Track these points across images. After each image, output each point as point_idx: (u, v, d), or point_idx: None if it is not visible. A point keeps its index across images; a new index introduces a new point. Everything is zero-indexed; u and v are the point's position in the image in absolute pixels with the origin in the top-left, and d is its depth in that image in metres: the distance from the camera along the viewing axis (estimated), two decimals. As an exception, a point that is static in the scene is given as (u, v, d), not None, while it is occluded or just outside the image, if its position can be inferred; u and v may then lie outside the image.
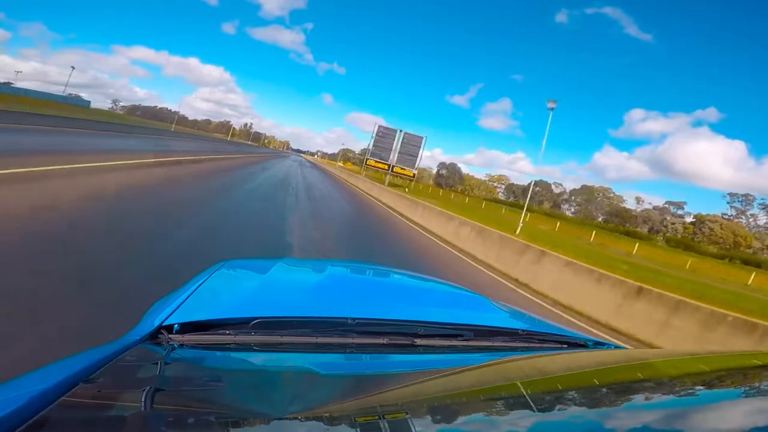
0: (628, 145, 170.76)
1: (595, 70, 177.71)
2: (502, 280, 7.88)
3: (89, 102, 71.49)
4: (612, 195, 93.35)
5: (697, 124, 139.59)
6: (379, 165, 41.03)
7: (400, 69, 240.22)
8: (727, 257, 50.13)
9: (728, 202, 76.42)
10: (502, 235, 9.54)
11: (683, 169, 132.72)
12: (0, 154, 7.25)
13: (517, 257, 8.39)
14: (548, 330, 1.21)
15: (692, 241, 61.72)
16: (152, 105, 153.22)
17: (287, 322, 0.87)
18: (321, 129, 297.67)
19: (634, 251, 30.70)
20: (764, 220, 70.90)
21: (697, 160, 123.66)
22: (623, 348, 1.57)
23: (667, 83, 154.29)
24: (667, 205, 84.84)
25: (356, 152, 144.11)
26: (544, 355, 1.02)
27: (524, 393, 0.68)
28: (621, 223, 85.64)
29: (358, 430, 0.51)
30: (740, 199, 75.20)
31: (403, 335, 0.91)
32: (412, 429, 0.50)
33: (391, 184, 37.92)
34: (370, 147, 41.43)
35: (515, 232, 20.05)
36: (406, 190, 37.66)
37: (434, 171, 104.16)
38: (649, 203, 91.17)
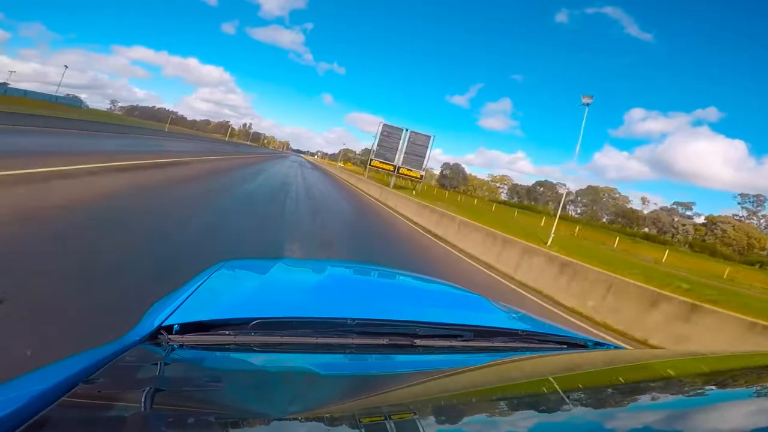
0: (628, 144, 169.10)
1: (595, 70, 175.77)
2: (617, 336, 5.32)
3: (83, 102, 68.93)
4: (617, 195, 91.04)
5: (697, 123, 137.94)
6: (384, 166, 38.30)
7: (401, 69, 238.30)
8: (758, 263, 47.39)
9: (739, 203, 74.10)
10: (586, 268, 6.75)
11: (683, 168, 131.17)
12: None
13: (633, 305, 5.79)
14: (548, 330, 1.21)
15: (717, 246, 59.06)
16: (150, 105, 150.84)
17: (287, 322, 0.86)
18: (321, 129, 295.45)
19: (664, 259, 28.31)
20: (777, 221, 68.60)
21: (697, 160, 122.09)
22: (623, 348, 1.55)
23: (667, 83, 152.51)
24: (675, 206, 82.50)
25: (357, 152, 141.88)
26: (544, 355, 1.01)
27: (524, 393, 0.69)
28: (627, 224, 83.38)
29: (360, 430, 0.51)
30: (751, 199, 72.88)
31: (403, 336, 0.90)
32: (413, 429, 0.50)
33: (396, 186, 35.49)
34: (375, 147, 38.72)
35: (546, 243, 17.86)
36: (414, 192, 35.23)
37: (436, 171, 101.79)
38: (655, 203, 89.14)
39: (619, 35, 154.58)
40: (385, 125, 38.49)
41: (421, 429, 0.50)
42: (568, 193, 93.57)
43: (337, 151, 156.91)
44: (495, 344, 1.00)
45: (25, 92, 53.77)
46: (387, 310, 1.17)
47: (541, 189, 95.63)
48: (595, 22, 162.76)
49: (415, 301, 1.42)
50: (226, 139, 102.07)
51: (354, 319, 0.90)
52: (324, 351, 0.83)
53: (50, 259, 3.14)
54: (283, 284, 1.36)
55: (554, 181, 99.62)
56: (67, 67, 73.50)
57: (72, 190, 5.73)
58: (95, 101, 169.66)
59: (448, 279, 2.15)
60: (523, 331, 1.09)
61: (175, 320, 0.79)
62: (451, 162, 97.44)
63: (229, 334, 0.79)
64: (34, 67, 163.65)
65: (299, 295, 1.24)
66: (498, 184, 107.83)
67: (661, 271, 18.23)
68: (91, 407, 0.50)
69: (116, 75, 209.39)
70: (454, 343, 0.96)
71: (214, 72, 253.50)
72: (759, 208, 70.76)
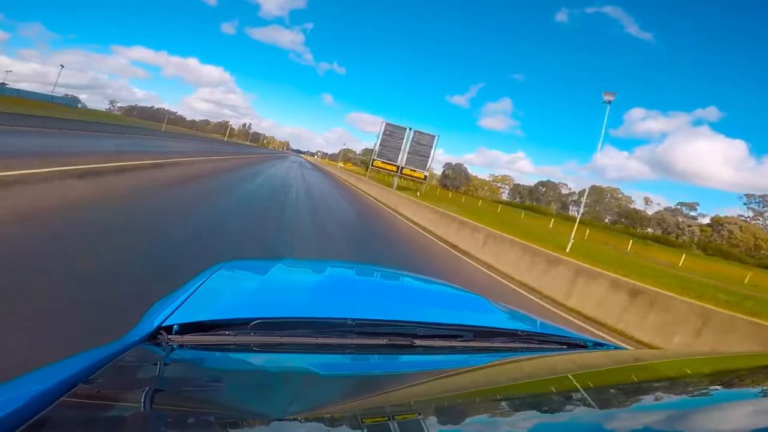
0: (628, 144, 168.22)
1: (596, 69, 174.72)
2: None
3: (79, 102, 67.62)
4: (620, 196, 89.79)
5: (698, 123, 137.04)
6: (387, 166, 36.84)
7: (401, 69, 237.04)
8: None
9: (745, 203, 72.90)
10: (667, 296, 5.37)
11: (683, 168, 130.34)
12: None
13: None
14: (548, 331, 1.21)
15: (731, 248, 57.61)
16: (149, 105, 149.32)
17: (287, 322, 0.86)
18: (321, 129, 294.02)
19: (680, 263, 26.98)
20: (784, 222, 67.36)
21: (697, 160, 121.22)
22: (623, 348, 1.54)
23: (667, 82, 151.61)
24: (678, 206, 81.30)
25: (357, 152, 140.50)
26: (544, 356, 1.01)
27: (524, 394, 0.69)
28: (631, 224, 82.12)
29: (361, 430, 0.51)
30: (757, 200, 71.64)
31: (403, 336, 0.90)
32: (413, 430, 0.51)
33: (399, 187, 34.13)
34: (377, 147, 37.36)
35: (565, 250, 16.51)
36: (418, 194, 33.84)
37: (437, 172, 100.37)
38: (658, 204, 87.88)
39: (619, 35, 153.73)
40: (387, 124, 37.01)
41: (422, 429, 0.50)
42: (571, 193, 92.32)
43: (337, 151, 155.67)
44: (495, 345, 0.99)
45: (18, 92, 53.06)
46: (387, 310, 1.17)
47: (544, 189, 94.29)
48: (595, 22, 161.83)
49: (415, 302, 1.41)
50: (225, 139, 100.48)
51: (354, 320, 0.89)
52: (324, 351, 0.82)
53: None
54: (283, 284, 1.35)
55: (556, 181, 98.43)
56: (63, 66, 71.89)
57: (53, 195, 4.50)
58: (95, 101, 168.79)
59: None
60: (523, 331, 1.08)
61: (174, 320, 0.78)
62: (453, 162, 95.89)
63: (228, 335, 0.78)
64: (34, 67, 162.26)
65: (299, 295, 1.23)
66: (499, 184, 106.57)
67: (692, 280, 16.87)
68: (91, 407, 0.50)
69: (116, 75, 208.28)
70: (454, 343, 0.95)
71: (213, 72, 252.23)
72: (765, 209, 69.64)
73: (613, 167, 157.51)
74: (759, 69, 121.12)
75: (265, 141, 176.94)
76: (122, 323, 0.86)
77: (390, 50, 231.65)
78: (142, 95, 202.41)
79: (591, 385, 0.75)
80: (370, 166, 38.40)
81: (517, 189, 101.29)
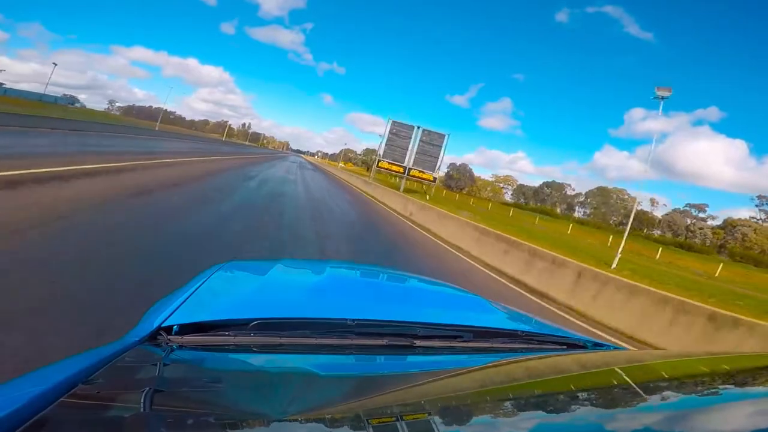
0: (628, 144, 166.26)
1: (596, 69, 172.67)
2: None
3: (76, 101, 65.19)
4: (626, 197, 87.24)
5: (698, 123, 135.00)
6: (393, 168, 33.89)
7: (400, 69, 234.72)
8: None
9: (757, 205, 70.30)
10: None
11: (684, 168, 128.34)
12: None
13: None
14: (547, 331, 1.20)
15: (761, 255, 54.72)
16: (147, 105, 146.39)
17: (287, 323, 0.85)
18: (321, 129, 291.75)
19: (717, 273, 24.41)
20: (798, 224, 64.80)
21: (698, 160, 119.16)
22: (623, 349, 1.52)
23: (668, 82, 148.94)
24: (687, 208, 78.76)
25: (358, 152, 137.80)
26: (544, 356, 1.00)
27: (524, 394, 0.68)
28: (638, 226, 79.66)
29: (359, 430, 0.51)
30: (770, 201, 69.08)
31: (403, 336, 0.89)
32: (414, 430, 0.50)
33: (406, 190, 31.52)
34: (383, 146, 34.50)
35: (611, 266, 13.95)
36: (427, 197, 31.21)
37: (440, 172, 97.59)
38: (665, 204, 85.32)
39: (619, 34, 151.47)
40: (394, 122, 34.08)
41: (423, 430, 0.50)
42: (577, 194, 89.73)
43: (337, 151, 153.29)
44: (495, 345, 0.98)
45: (5, 90, 50.95)
46: (387, 310, 1.15)
47: (549, 191, 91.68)
48: (595, 22, 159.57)
49: (415, 302, 1.40)
50: (224, 138, 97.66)
51: (354, 320, 0.88)
52: (324, 352, 0.82)
53: None
54: (283, 285, 1.33)
55: (560, 182, 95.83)
56: (56, 64, 69.10)
57: None
58: (95, 102, 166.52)
59: None
60: (522, 331, 1.08)
61: (174, 321, 0.77)
62: (452, 161, 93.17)
63: (228, 335, 0.77)
64: (34, 67, 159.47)
65: (299, 295, 1.22)
66: (502, 185, 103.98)
67: (750, 297, 14.28)
68: (91, 408, 0.50)
69: (116, 75, 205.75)
70: (454, 344, 0.94)
71: (213, 72, 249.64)
72: (777, 211, 67.13)
73: (614, 167, 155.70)
74: (759, 69, 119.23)
75: (264, 141, 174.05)
76: None
77: (390, 50, 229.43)
78: (142, 95, 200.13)
79: (591, 386, 0.74)
80: (375, 167, 35.50)
81: (521, 190, 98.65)
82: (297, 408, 0.57)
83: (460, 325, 1.02)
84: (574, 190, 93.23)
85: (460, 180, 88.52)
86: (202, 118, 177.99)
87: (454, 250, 9.50)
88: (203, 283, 1.06)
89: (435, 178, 34.72)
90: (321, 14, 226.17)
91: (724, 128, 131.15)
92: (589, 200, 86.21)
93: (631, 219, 17.05)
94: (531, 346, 1.04)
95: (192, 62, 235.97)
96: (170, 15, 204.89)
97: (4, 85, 60.62)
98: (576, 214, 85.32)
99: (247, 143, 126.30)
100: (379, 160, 34.69)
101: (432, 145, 34.01)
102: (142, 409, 0.47)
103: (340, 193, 19.83)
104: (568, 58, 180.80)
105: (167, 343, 0.73)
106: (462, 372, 0.85)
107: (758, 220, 67.30)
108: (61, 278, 2.83)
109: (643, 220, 79.68)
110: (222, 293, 1.10)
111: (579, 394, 0.67)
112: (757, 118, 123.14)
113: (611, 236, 34.33)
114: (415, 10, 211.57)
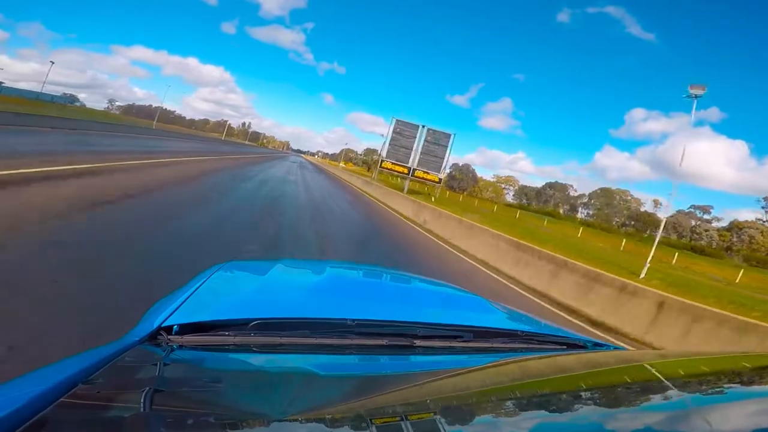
0: (629, 145, 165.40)
1: (597, 70, 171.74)
2: None
3: (76, 100, 64.08)
4: (630, 198, 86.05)
5: (699, 124, 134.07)
6: (397, 168, 32.42)
7: (401, 69, 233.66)
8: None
9: (763, 207, 69.12)
10: None
11: (684, 169, 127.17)
12: None
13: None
14: (547, 331, 1.19)
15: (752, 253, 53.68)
16: (147, 104, 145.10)
17: (287, 323, 0.85)
18: (321, 129, 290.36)
19: (738, 279, 23.24)
20: (805, 226, 63.52)
21: (698, 161, 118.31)
22: (623, 349, 1.52)
23: (669, 83, 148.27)
24: (691, 209, 77.55)
25: (359, 153, 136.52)
26: (544, 356, 1.00)
27: (524, 394, 0.68)
28: (642, 228, 78.45)
29: (358, 430, 0.51)
30: (776, 203, 67.89)
31: (403, 336, 0.89)
32: (414, 429, 0.50)
33: (409, 191, 30.32)
34: (386, 146, 33.11)
35: (639, 276, 12.76)
36: (432, 199, 30.00)
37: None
38: (668, 206, 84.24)
39: (620, 35, 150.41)
40: (398, 121, 32.63)
41: (423, 429, 0.50)
42: (581, 195, 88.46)
43: (337, 151, 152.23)
44: (495, 345, 0.98)
45: (2, 89, 49.96)
46: (387, 310, 1.15)
47: (552, 191, 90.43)
48: (596, 22, 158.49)
49: (415, 302, 1.39)
50: (222, 138, 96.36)
51: (354, 320, 0.88)
52: (324, 352, 0.82)
53: None
54: (283, 285, 1.32)
55: (563, 182, 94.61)
56: (53, 63, 67.49)
57: None
58: (95, 101, 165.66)
59: None
60: (522, 331, 1.08)
61: (174, 321, 0.77)
62: (459, 163, 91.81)
63: (228, 335, 0.77)
64: (33, 66, 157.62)
65: (299, 295, 1.21)
66: (503, 185, 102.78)
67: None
68: (91, 408, 0.50)
69: (116, 75, 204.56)
70: (454, 344, 0.94)
71: (214, 72, 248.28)
72: (783, 212, 65.89)
73: (614, 167, 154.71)
74: (760, 70, 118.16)
75: (265, 140, 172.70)
76: None
77: (390, 50, 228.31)
78: (142, 95, 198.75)
79: (591, 385, 0.74)
80: (378, 167, 34.06)
81: (523, 190, 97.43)
82: (297, 408, 0.57)
83: (460, 325, 1.01)
84: (576, 191, 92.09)
85: (462, 181, 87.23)
86: (203, 118, 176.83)
87: (495, 275, 8.00)
88: (203, 283, 1.06)
89: (440, 180, 33.37)
90: (322, 14, 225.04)
91: (724, 129, 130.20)
92: (592, 201, 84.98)
93: (662, 227, 15.79)
94: (531, 346, 1.03)
95: (192, 62, 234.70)
96: (171, 14, 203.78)
97: (3, 84, 59.64)
98: (578, 215, 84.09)
99: (246, 143, 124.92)
100: (382, 161, 33.31)
101: (437, 145, 32.67)
102: (142, 409, 0.47)
103: (343, 197, 18.62)
104: (569, 58, 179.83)
105: (167, 343, 0.72)
106: (462, 372, 0.84)
107: (764, 221, 66.18)
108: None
109: (647, 221, 78.53)
110: (222, 293, 1.10)
111: (579, 394, 0.67)
112: (758, 119, 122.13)
113: (623, 240, 33.05)
114: (415, 10, 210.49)
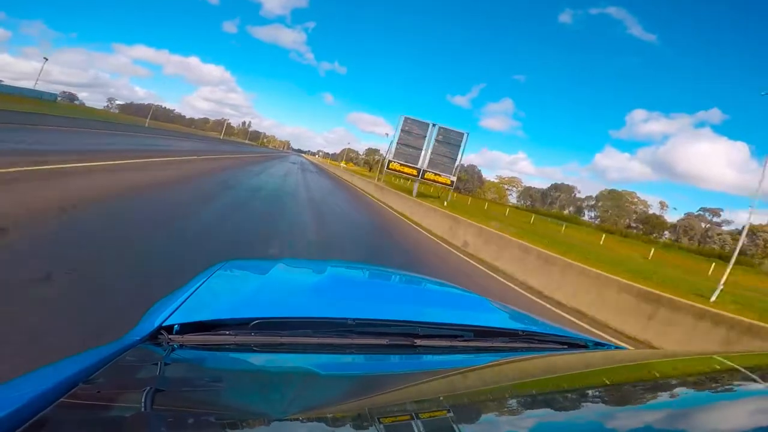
0: (629, 146, 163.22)
1: (598, 70, 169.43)
2: None
3: (56, 96, 60.95)
4: (636, 200, 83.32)
5: (700, 125, 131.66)
6: (406, 170, 29.32)
7: (402, 69, 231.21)
8: None
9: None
10: None
11: (685, 170, 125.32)
12: None
13: None
14: (548, 331, 1.18)
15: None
16: (147, 103, 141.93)
17: (287, 322, 0.84)
18: (322, 129, 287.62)
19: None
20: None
21: (699, 162, 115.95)
22: (624, 348, 1.50)
23: (670, 84, 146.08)
24: (701, 212, 74.83)
25: (360, 153, 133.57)
26: (545, 355, 0.99)
27: (525, 394, 0.68)
28: (650, 231, 75.82)
29: (358, 430, 0.50)
30: (790, 206, 65.22)
31: (404, 336, 0.88)
32: (414, 430, 0.50)
33: (419, 195, 27.45)
34: (393, 146, 30.17)
35: (710, 299, 10.52)
36: (445, 203, 27.16)
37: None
38: (675, 208, 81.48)
39: (622, 36, 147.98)
40: (406, 119, 29.44)
41: (423, 428, 0.49)
42: (588, 197, 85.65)
43: (337, 151, 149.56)
44: (495, 344, 0.97)
45: None
46: (387, 310, 1.13)
47: (558, 193, 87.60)
48: (598, 23, 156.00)
49: (416, 302, 1.37)
50: (221, 137, 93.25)
51: (354, 319, 0.87)
52: (324, 351, 0.81)
53: None
54: (284, 284, 1.30)
55: (568, 184, 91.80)
56: (46, 59, 64.23)
57: None
58: (97, 100, 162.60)
59: None
60: (523, 331, 1.07)
61: (175, 320, 0.76)
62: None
63: (229, 334, 0.76)
64: (35, 65, 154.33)
65: (299, 295, 1.19)
66: (506, 186, 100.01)
67: None
68: (91, 407, 0.49)
69: (118, 74, 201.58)
70: (455, 343, 0.93)
71: (215, 71, 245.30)
72: (798, 216, 63.27)
73: (615, 168, 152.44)
74: (761, 70, 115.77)
75: (265, 140, 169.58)
76: None
77: (391, 50, 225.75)
78: (143, 94, 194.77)
79: (592, 385, 0.73)
80: (385, 169, 31.00)
81: (528, 192, 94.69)
82: (297, 407, 0.56)
83: (460, 324, 1.00)
84: (580, 192, 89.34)
85: (468, 182, 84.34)
86: (203, 117, 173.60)
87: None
88: (204, 282, 1.04)
89: (453, 182, 30.19)
90: (323, 13, 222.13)
91: (725, 130, 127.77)
92: (600, 203, 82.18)
93: (741, 241, 12.96)
94: (532, 345, 1.02)
95: (193, 61, 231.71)
96: (172, 13, 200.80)
97: (2, 83, 56.82)
98: (582, 217, 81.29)
99: (246, 142, 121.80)
100: (389, 161, 30.18)
101: (449, 144, 29.64)
102: (142, 409, 0.47)
103: (352, 202, 15.72)
104: (570, 59, 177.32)
105: (168, 343, 0.71)
106: (463, 371, 0.84)
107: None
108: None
109: (655, 224, 75.82)
110: (223, 292, 1.09)
111: (580, 393, 0.66)
112: (759, 120, 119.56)
113: (652, 249, 30.19)
114: (416, 10, 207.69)
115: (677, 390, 0.67)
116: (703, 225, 69.49)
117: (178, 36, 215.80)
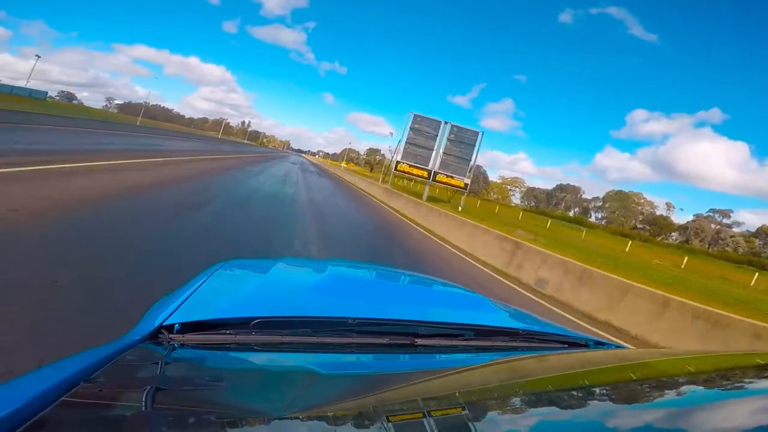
0: (629, 145, 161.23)
1: (598, 71, 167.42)
2: None
3: (45, 93, 58.34)
4: (643, 201, 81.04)
5: (700, 125, 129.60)
6: (415, 171, 26.90)
7: (402, 69, 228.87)
8: None
9: None
10: None
11: (685, 170, 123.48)
12: None
13: None
14: (549, 330, 1.17)
15: None
16: (146, 103, 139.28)
17: (288, 321, 0.84)
18: (322, 129, 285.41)
19: None
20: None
21: (699, 162, 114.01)
22: (624, 347, 1.48)
23: (670, 84, 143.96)
24: (710, 213, 72.56)
25: (361, 153, 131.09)
26: (545, 354, 0.98)
27: (525, 393, 0.68)
28: (657, 232, 73.57)
29: (358, 429, 0.50)
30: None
31: (404, 335, 0.88)
32: (414, 429, 0.50)
33: (429, 198, 25.02)
34: (402, 145, 27.63)
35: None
36: (459, 208, 24.73)
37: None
38: (681, 209, 79.28)
39: (622, 36, 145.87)
40: (416, 116, 27.01)
41: (423, 428, 0.49)
42: (594, 199, 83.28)
43: (338, 151, 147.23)
44: (496, 344, 0.97)
45: None
46: (388, 309, 1.12)
47: (563, 194, 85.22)
48: (599, 23, 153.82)
49: (416, 301, 1.36)
50: (219, 136, 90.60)
51: (355, 319, 0.87)
52: (325, 350, 0.81)
53: None
54: (284, 283, 1.30)
55: (572, 184, 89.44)
56: (38, 56, 61.59)
57: None
58: (97, 100, 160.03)
59: None
60: (524, 330, 1.06)
61: (175, 319, 0.76)
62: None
63: (229, 334, 0.76)
64: (35, 65, 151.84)
65: (300, 294, 1.18)
66: (509, 187, 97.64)
67: None
68: (92, 407, 0.49)
69: (118, 73, 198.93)
70: (456, 342, 0.93)
71: (215, 71, 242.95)
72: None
73: (615, 168, 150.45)
74: (761, 70, 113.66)
75: (265, 140, 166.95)
76: None
77: (392, 50, 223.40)
78: (143, 93, 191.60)
79: (592, 384, 0.72)
80: (393, 170, 28.34)
81: (532, 193, 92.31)
82: (298, 406, 0.56)
83: (461, 323, 1.00)
84: (584, 192, 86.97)
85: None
86: (201, 116, 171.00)
87: None
88: (204, 281, 1.04)
89: (467, 185, 27.59)
90: (323, 13, 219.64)
91: (725, 130, 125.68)
92: (607, 205, 79.85)
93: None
94: (532, 344, 1.02)
95: (194, 61, 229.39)
96: (172, 13, 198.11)
97: (1, 83, 54.33)
98: (587, 218, 78.89)
99: (245, 142, 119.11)
100: (397, 163, 27.60)
101: (463, 144, 27.06)
102: (143, 408, 0.46)
103: (363, 209, 13.25)
104: (571, 59, 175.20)
105: (168, 342, 0.71)
106: (463, 370, 0.83)
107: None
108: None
109: (663, 225, 73.53)
110: (223, 292, 1.08)
111: (580, 393, 0.66)
112: (759, 120, 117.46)
113: (686, 257, 27.76)
114: (416, 10, 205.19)
115: (678, 389, 0.65)
116: (713, 226, 67.22)
117: (178, 36, 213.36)
